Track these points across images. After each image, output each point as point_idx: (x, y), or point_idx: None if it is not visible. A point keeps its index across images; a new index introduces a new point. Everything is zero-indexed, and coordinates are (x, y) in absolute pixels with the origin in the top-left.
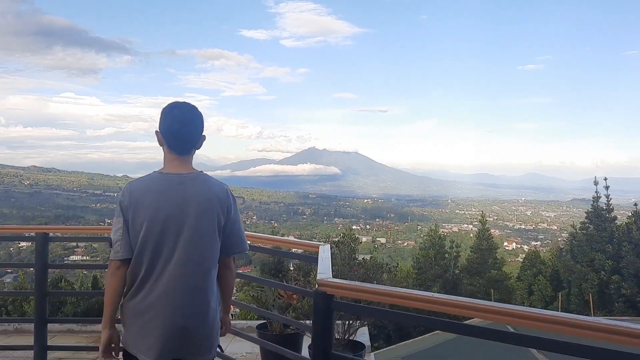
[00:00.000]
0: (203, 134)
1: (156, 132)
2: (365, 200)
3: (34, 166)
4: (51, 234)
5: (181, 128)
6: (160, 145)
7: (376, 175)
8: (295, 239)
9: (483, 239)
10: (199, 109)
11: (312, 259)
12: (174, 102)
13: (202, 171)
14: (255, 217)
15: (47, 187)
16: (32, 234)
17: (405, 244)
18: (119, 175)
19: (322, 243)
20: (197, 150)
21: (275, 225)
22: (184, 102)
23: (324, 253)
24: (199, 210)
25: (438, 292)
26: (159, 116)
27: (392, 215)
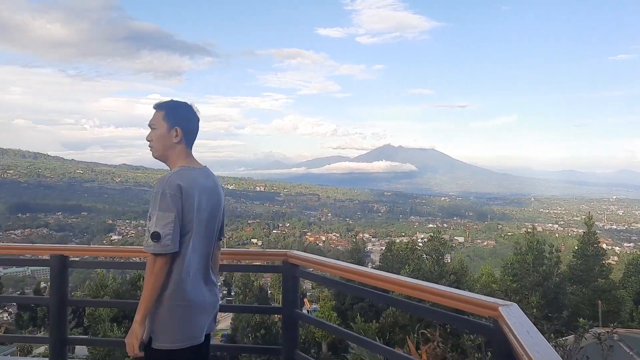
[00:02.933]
0: None
1: (175, 128)
2: (443, 198)
3: (125, 164)
4: (71, 258)
5: (197, 125)
6: (169, 141)
7: (454, 172)
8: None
9: (589, 243)
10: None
11: (274, 269)
12: (185, 102)
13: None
14: (330, 214)
15: (136, 184)
16: (46, 256)
17: (485, 243)
18: None
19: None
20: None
21: (350, 222)
22: (185, 101)
23: None
24: (222, 203)
25: (537, 302)
26: (177, 111)
27: (470, 214)
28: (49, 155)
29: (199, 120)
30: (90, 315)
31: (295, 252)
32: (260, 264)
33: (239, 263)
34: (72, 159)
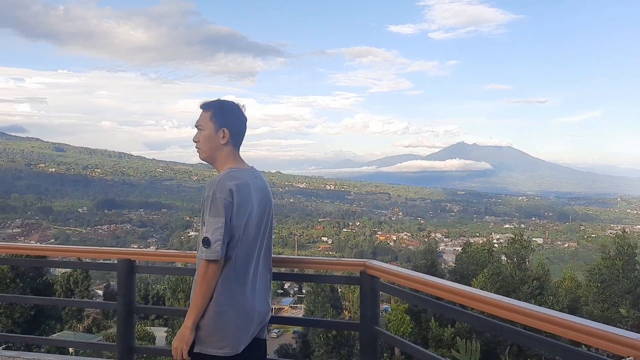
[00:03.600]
0: None
1: (223, 129)
2: (520, 198)
3: (201, 163)
4: (137, 262)
5: (245, 126)
6: (216, 143)
7: (532, 170)
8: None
9: None
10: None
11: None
12: (232, 101)
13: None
14: (401, 214)
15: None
16: (114, 260)
17: (566, 245)
18: (272, 171)
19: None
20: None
21: (422, 222)
22: (233, 100)
23: None
24: (272, 204)
25: (627, 312)
26: (224, 111)
27: (550, 214)
28: (132, 155)
29: (246, 120)
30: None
31: (375, 262)
32: (335, 273)
33: (312, 273)
34: (153, 158)
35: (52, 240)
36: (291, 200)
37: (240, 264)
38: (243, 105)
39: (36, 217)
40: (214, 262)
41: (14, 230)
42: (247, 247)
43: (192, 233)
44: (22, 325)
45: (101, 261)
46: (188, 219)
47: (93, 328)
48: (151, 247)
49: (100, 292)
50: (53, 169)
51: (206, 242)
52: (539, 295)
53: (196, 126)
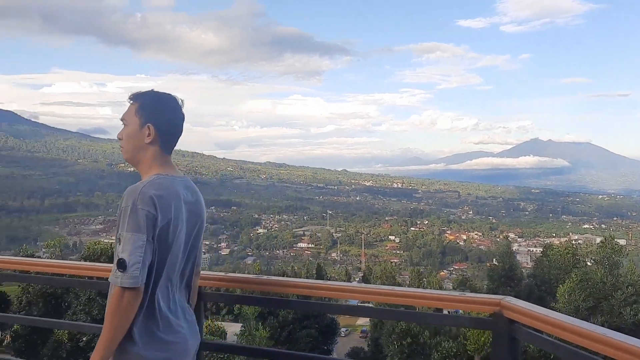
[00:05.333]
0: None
1: (148, 125)
2: (601, 196)
3: (269, 162)
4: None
5: (180, 123)
6: (138, 140)
7: (614, 168)
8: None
9: None
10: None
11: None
12: (169, 94)
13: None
14: (471, 213)
15: (280, 181)
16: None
17: None
18: (339, 169)
19: None
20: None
21: (494, 221)
22: (170, 93)
23: None
24: (204, 220)
25: None
26: (152, 105)
27: (634, 214)
28: (204, 155)
29: (182, 119)
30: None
31: (516, 301)
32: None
33: (420, 311)
34: (224, 158)
35: None
36: (357, 199)
37: (167, 289)
38: (182, 100)
39: (116, 215)
40: (132, 289)
41: (97, 227)
42: (176, 269)
43: (260, 230)
44: None
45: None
46: (257, 216)
47: None
48: (222, 244)
49: None
50: (131, 169)
51: (121, 265)
52: (635, 303)
53: (120, 120)
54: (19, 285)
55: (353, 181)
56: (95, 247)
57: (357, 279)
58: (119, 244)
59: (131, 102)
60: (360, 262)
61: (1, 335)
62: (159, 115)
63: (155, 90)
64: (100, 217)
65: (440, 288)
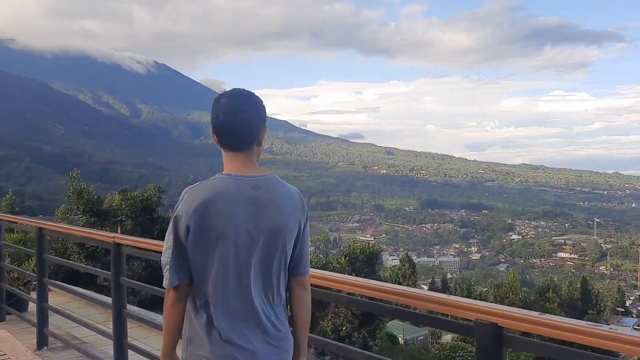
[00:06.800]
0: (263, 124)
1: (211, 130)
2: None
3: (524, 164)
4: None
5: (226, 119)
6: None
7: None
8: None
9: None
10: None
11: None
12: (226, 91)
13: (272, 173)
14: None
15: (536, 184)
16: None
17: None
18: (609, 172)
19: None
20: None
21: None
22: (236, 89)
23: None
24: (283, 221)
25: None
26: (212, 111)
27: None
28: (453, 157)
29: (230, 113)
30: None
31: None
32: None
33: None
34: (474, 160)
35: (383, 236)
36: (633, 205)
37: (215, 294)
38: (224, 96)
39: (370, 214)
40: (171, 290)
41: (353, 225)
42: (228, 273)
43: (514, 236)
44: None
45: None
46: (510, 221)
47: None
48: (472, 249)
49: (426, 287)
50: (384, 171)
51: (162, 266)
52: None
53: None
54: None
55: (627, 185)
56: (355, 245)
57: (631, 298)
58: None
59: None
60: (637, 278)
61: None
62: (212, 118)
63: (221, 92)
64: (356, 215)
65: None
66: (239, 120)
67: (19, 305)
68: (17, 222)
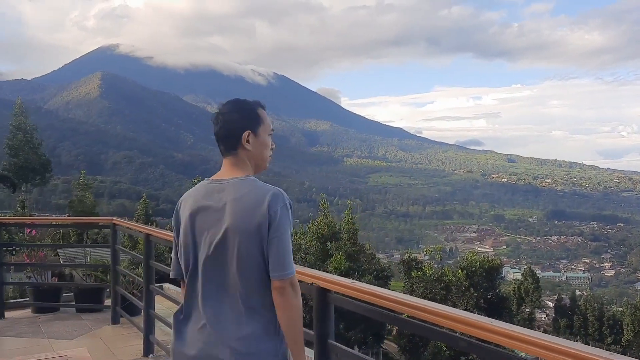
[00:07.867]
0: (245, 128)
1: None
2: None
3: None
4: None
5: (213, 128)
6: None
7: None
8: None
9: None
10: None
11: None
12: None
13: (248, 175)
14: None
15: None
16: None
17: None
18: None
19: None
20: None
21: None
22: (229, 100)
23: None
24: (237, 223)
25: None
26: None
27: None
28: (584, 165)
29: (215, 122)
30: None
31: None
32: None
33: None
34: (608, 168)
35: (504, 247)
36: None
37: (187, 290)
38: (223, 105)
39: (490, 224)
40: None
41: (471, 235)
42: (190, 270)
43: None
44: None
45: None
46: None
47: None
48: (605, 264)
49: (551, 304)
50: (505, 179)
51: None
52: None
53: None
54: None
55: None
56: (473, 257)
57: None
58: None
59: None
60: None
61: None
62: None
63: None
64: (474, 225)
65: None
66: (219, 128)
67: (132, 309)
68: (131, 229)
